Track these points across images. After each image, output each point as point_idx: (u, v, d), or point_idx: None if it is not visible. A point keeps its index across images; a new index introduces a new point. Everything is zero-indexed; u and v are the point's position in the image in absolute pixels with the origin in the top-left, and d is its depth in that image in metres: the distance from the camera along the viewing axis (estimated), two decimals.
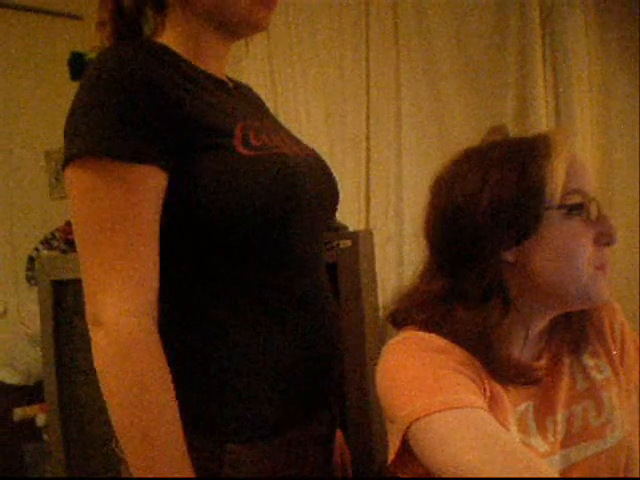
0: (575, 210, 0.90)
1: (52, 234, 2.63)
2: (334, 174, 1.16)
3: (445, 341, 0.92)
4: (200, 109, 0.92)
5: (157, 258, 0.89)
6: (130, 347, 0.83)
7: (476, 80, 2.02)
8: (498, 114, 1.98)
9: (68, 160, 0.86)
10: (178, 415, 0.86)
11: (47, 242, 2.64)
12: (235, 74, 2.56)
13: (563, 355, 0.99)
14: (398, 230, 2.17)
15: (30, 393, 2.42)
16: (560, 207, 0.90)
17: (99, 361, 0.84)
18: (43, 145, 2.75)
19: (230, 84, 1.11)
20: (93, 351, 0.84)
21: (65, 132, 0.88)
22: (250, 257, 0.95)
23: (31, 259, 2.67)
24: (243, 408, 0.93)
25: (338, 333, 1.09)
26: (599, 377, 0.99)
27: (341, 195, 1.17)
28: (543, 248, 0.91)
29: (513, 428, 0.90)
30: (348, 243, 1.79)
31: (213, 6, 1.00)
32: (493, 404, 0.88)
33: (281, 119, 2.38)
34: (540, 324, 0.96)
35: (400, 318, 1.00)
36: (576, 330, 1.00)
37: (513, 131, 1.68)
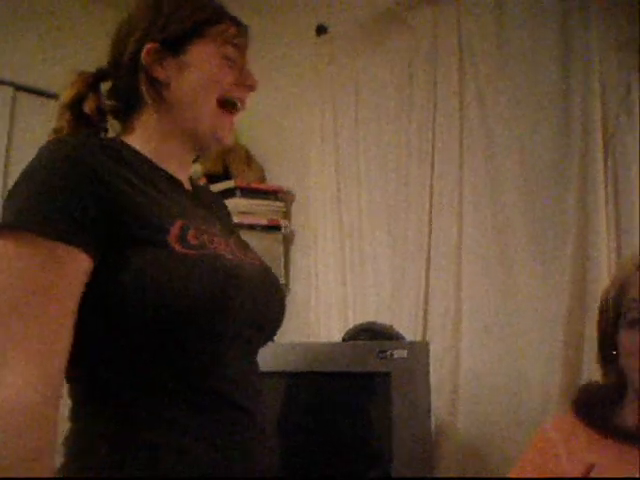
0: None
1: None
2: (281, 287, 1.16)
3: (562, 434, 1.21)
4: (140, 204, 0.95)
5: (68, 338, 0.88)
6: (18, 430, 0.81)
7: (538, 199, 2.04)
8: (559, 231, 1.98)
9: None
10: None
11: None
12: (303, 171, 2.66)
13: None
14: (455, 342, 2.15)
15: None
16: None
17: None
18: None
19: (189, 187, 1.16)
20: None
21: (4, 202, 0.93)
22: (170, 355, 0.94)
23: None
24: None
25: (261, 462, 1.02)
26: None
27: (285, 310, 1.15)
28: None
29: None
30: (403, 353, 1.79)
31: (187, 120, 1.10)
32: (616, 464, 1.11)
33: (344, 222, 2.46)
34: None
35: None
36: None
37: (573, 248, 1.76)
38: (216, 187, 2.68)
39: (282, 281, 2.68)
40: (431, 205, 2.28)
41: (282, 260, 2.72)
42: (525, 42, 2.11)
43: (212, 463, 0.93)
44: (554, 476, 1.17)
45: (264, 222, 2.66)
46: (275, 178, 2.83)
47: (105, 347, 0.94)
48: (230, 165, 2.75)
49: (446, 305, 2.19)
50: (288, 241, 2.78)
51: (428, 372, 1.88)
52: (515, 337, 2.03)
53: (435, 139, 2.30)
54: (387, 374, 1.76)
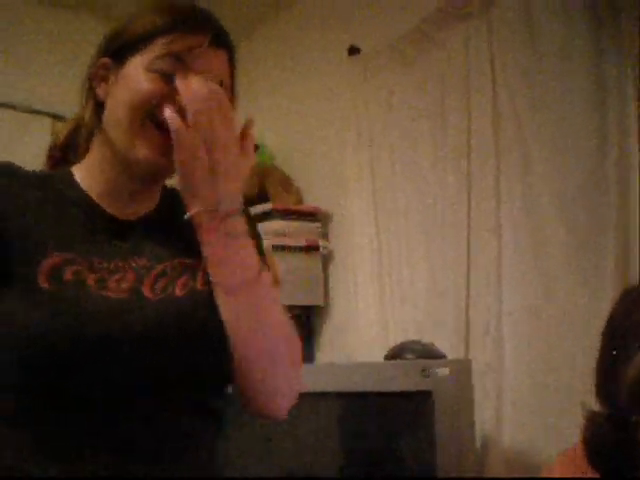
0: None
1: None
2: (192, 335, 0.96)
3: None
4: (25, 242, 0.92)
5: None
6: None
7: (576, 213, 2.03)
8: (599, 244, 1.97)
9: None
10: None
11: None
12: (339, 191, 2.66)
13: None
14: (497, 360, 2.14)
15: None
16: None
17: None
18: None
19: (135, 218, 1.03)
20: None
21: None
22: (28, 398, 0.90)
23: None
24: None
25: None
26: None
27: (201, 358, 0.96)
28: None
29: None
30: (445, 371, 1.78)
31: (114, 142, 0.97)
32: None
33: (382, 241, 2.46)
34: None
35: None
36: None
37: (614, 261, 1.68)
38: (253, 210, 2.71)
39: (319, 302, 2.72)
40: (469, 222, 2.28)
41: (321, 280, 2.74)
42: (557, 56, 2.10)
43: None
44: None
45: (302, 243, 2.69)
46: (312, 199, 2.85)
47: None
48: (267, 188, 2.78)
49: (487, 321, 2.18)
50: (327, 261, 2.79)
51: (471, 389, 1.88)
52: (557, 351, 2.02)
53: (471, 158, 2.30)
54: (429, 393, 1.76)
